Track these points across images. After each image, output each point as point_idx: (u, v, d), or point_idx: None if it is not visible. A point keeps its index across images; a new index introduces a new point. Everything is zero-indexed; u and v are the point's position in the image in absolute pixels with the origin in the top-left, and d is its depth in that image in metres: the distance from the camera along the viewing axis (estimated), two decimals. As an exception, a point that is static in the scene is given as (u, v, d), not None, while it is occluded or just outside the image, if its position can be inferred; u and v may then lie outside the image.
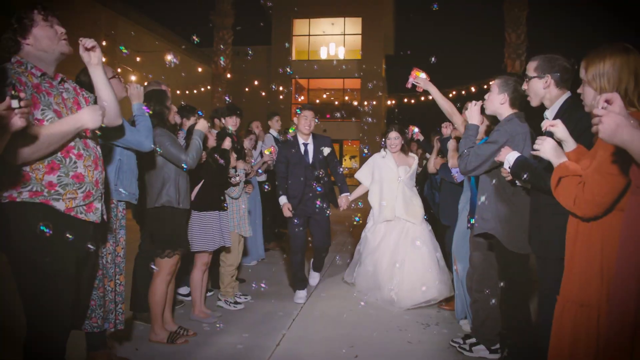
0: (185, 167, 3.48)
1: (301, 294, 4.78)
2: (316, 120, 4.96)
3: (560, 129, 2.15)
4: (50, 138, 2.12)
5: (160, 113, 3.57)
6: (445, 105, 3.72)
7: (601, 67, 1.95)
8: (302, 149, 4.93)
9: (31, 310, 2.17)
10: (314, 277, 5.28)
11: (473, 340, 3.45)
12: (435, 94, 3.68)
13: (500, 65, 16.90)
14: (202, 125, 3.71)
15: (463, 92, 17.38)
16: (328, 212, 4.95)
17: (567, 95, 2.57)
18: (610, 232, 1.85)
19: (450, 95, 17.10)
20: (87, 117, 2.24)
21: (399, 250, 4.68)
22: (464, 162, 3.00)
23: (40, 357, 2.16)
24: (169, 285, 3.66)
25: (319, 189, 4.81)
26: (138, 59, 13.30)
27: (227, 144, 4.12)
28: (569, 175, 2.01)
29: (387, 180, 4.90)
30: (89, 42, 2.41)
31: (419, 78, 3.67)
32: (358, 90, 25.31)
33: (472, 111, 3.09)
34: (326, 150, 4.98)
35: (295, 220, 4.87)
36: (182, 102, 4.54)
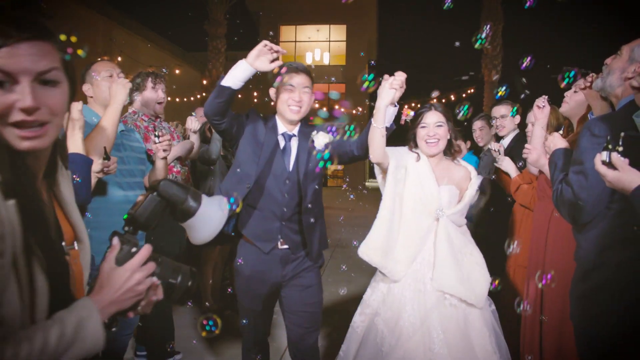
0: None
1: None
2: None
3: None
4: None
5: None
6: None
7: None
8: (282, 143, 2.48)
9: None
10: None
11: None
12: None
13: (478, 75, 18.19)
14: None
15: (443, 100, 18.57)
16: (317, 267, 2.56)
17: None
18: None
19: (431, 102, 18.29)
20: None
21: None
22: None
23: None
24: (211, 270, 4.57)
25: (310, 220, 2.46)
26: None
27: None
28: (523, 184, 3.09)
29: (416, 210, 2.53)
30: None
31: (410, 115, 4.68)
32: (343, 95, 26.28)
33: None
34: (322, 138, 2.42)
35: (249, 285, 2.47)
36: (193, 113, 5.27)
